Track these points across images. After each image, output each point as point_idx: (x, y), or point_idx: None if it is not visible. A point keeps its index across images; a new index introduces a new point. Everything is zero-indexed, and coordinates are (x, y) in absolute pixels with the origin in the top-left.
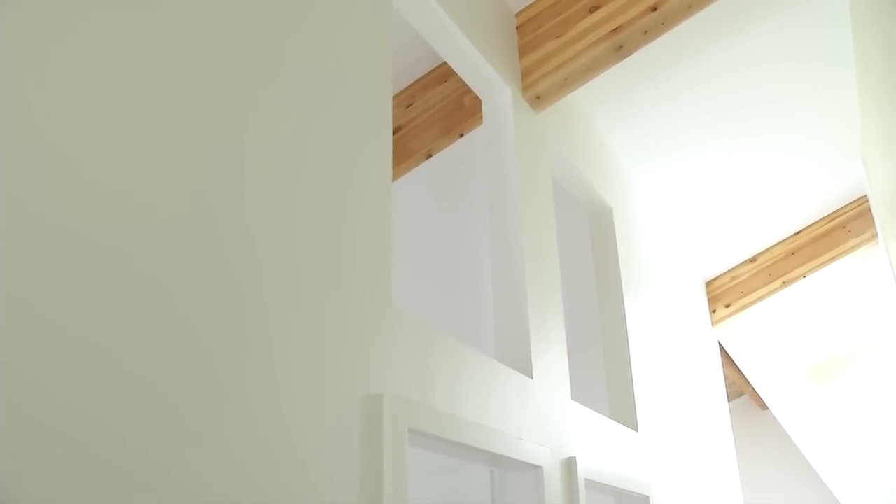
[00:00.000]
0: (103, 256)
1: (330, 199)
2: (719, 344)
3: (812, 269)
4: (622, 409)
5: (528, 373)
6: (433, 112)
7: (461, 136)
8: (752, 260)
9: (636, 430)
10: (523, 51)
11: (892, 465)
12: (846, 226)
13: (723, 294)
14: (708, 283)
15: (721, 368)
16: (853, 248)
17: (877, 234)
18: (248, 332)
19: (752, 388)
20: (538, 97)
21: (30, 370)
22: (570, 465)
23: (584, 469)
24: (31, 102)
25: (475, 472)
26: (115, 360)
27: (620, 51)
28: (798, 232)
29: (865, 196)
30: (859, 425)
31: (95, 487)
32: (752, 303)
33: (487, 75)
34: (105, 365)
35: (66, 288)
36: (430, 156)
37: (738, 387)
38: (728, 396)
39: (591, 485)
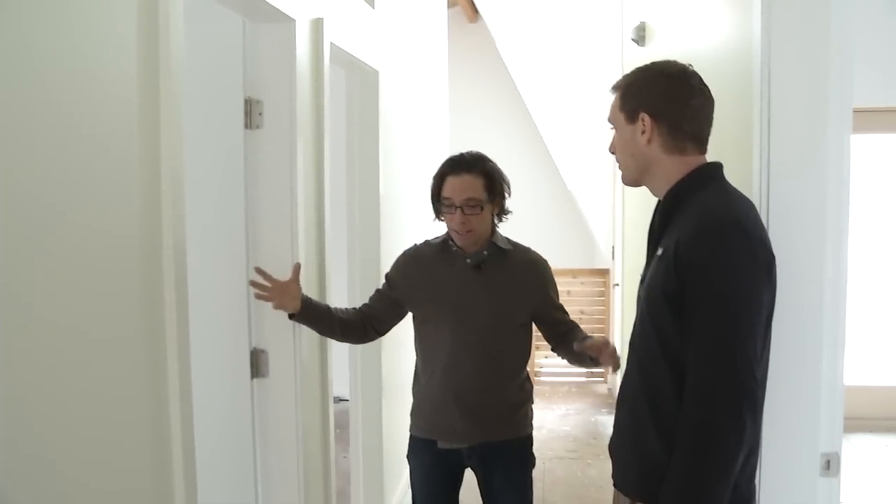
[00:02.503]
0: None
1: None
2: None
3: None
4: None
5: None
6: None
7: None
8: None
9: (373, 7)
10: None
11: (578, 82)
12: None
13: None
14: None
15: None
16: None
17: None
18: None
19: None
20: None
21: None
22: (318, 25)
23: (330, 33)
24: None
25: (226, 24)
26: None
27: None
28: None
29: None
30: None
31: None
32: None
33: None
34: None
35: None
36: None
37: None
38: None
39: (335, 52)
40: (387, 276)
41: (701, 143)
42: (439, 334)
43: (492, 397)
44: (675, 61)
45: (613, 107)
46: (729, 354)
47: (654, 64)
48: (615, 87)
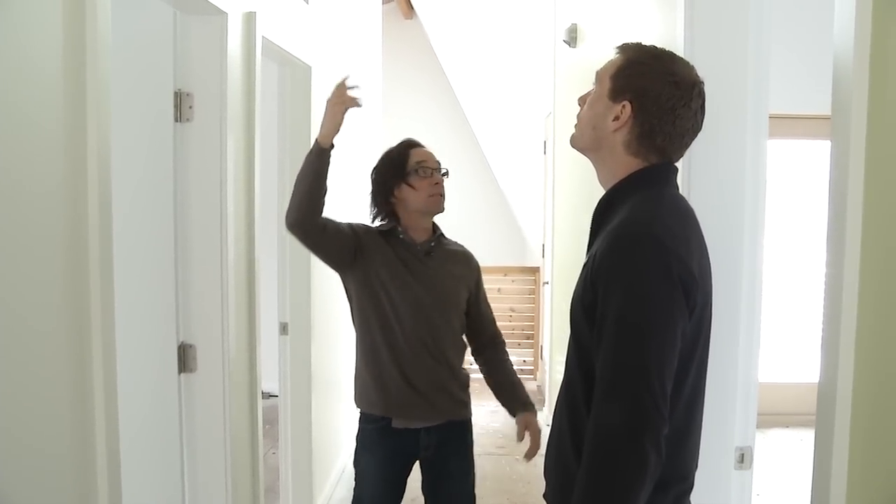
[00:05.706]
0: None
1: None
2: None
3: None
4: None
5: None
6: None
7: None
8: None
9: (307, 2)
10: None
11: (511, 81)
12: None
13: None
14: None
15: None
16: None
17: None
18: None
19: None
20: None
21: None
22: (250, 19)
23: (263, 27)
24: None
25: (156, 15)
26: None
27: None
28: None
29: None
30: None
31: None
32: None
33: None
34: None
35: None
36: None
37: None
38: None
39: (267, 46)
40: (354, 224)
41: (666, 158)
42: (395, 311)
43: (447, 375)
44: (692, 67)
45: (607, 68)
46: (631, 381)
47: (672, 58)
48: (622, 50)
